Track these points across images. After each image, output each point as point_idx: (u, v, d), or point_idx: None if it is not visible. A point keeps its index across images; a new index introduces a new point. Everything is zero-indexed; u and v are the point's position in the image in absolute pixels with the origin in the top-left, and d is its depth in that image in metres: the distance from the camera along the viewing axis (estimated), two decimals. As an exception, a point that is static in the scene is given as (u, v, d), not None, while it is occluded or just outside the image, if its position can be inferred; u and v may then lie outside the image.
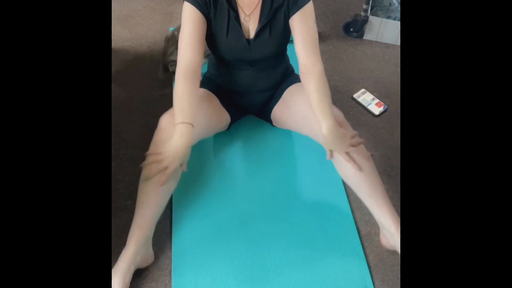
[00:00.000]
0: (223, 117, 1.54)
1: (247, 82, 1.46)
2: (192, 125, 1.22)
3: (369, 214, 1.51)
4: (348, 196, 1.55)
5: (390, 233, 1.29)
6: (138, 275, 1.34)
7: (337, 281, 1.33)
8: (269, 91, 1.55)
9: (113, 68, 1.99)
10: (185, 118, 1.21)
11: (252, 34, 1.33)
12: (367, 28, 2.16)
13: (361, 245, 1.42)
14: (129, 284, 1.23)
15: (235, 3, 1.29)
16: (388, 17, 2.14)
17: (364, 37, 2.21)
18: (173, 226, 1.45)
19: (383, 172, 1.64)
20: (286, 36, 1.37)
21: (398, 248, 1.28)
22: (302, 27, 1.30)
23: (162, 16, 2.30)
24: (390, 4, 2.15)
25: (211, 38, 1.34)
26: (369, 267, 1.38)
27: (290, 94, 1.48)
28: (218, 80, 1.52)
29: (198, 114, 1.27)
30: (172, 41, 1.85)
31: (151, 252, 1.34)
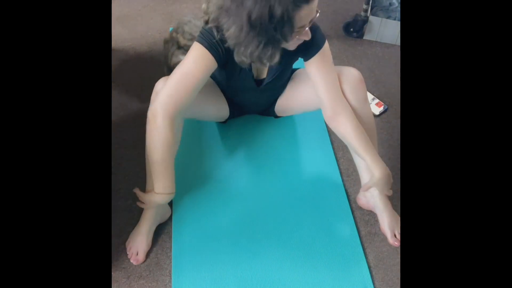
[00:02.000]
0: (222, 107, 1.53)
1: (251, 101, 1.48)
2: (173, 193, 1.25)
3: (369, 214, 1.51)
4: (348, 196, 1.55)
5: (376, 196, 1.32)
6: (138, 275, 1.34)
7: (337, 281, 1.33)
8: (273, 103, 1.55)
9: (113, 68, 1.99)
10: (165, 189, 1.23)
11: (261, 75, 1.33)
12: (367, 28, 2.16)
13: (361, 245, 1.42)
14: (151, 243, 1.36)
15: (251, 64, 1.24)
16: (388, 17, 2.14)
17: (364, 37, 2.21)
18: (173, 226, 1.45)
19: (383, 172, 1.63)
20: (292, 68, 1.36)
21: (377, 208, 1.30)
22: (321, 71, 1.24)
23: (162, 16, 2.29)
24: (390, 4, 2.15)
25: (221, 76, 1.33)
26: (369, 267, 1.38)
27: (292, 81, 1.46)
28: (221, 87, 1.49)
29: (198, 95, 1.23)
30: (172, 42, 1.85)
31: (167, 207, 1.39)
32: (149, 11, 2.33)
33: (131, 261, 1.34)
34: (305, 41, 1.14)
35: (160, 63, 2.02)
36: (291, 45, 1.12)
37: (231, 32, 1.06)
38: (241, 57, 1.11)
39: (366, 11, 2.11)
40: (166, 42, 1.87)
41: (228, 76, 1.29)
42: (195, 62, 1.14)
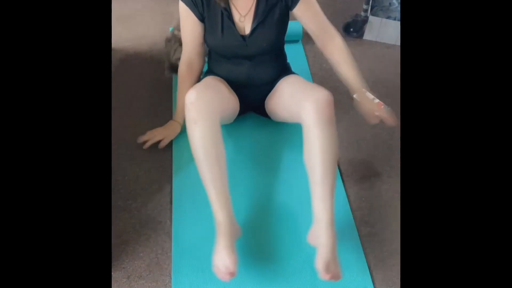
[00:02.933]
0: (235, 100, 1.56)
1: (245, 75, 1.50)
2: (180, 123, 1.58)
3: (369, 214, 1.51)
4: (348, 196, 1.55)
5: (322, 230, 1.22)
6: (138, 275, 1.34)
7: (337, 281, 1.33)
8: (267, 86, 1.57)
9: (113, 68, 1.99)
10: (177, 118, 1.59)
11: (247, 31, 1.37)
12: (367, 28, 2.16)
13: (361, 245, 1.42)
14: (237, 258, 1.22)
15: (228, 4, 1.33)
16: (388, 17, 2.14)
17: (364, 37, 2.21)
18: (173, 226, 1.45)
19: (383, 172, 1.64)
20: (282, 30, 1.42)
21: (321, 247, 1.21)
22: (309, 14, 1.38)
23: (162, 16, 2.29)
24: (390, 4, 2.15)
25: (207, 37, 1.42)
26: (369, 267, 1.38)
27: (282, 83, 1.52)
28: (219, 74, 1.55)
29: (216, 95, 1.37)
30: (174, 40, 1.85)
31: (237, 225, 1.33)
32: (149, 11, 2.33)
33: (223, 279, 1.19)
34: None
35: (160, 63, 2.02)
36: None
37: None
38: None
39: (366, 11, 2.11)
40: (168, 40, 1.87)
41: (213, 36, 1.39)
42: (185, 25, 1.40)
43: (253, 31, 1.36)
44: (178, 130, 1.59)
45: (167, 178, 1.59)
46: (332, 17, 2.33)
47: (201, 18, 1.36)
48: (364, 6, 2.10)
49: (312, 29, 1.43)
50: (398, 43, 2.17)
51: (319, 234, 1.23)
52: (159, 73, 1.99)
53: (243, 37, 1.37)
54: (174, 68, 1.88)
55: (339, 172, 1.62)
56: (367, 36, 2.20)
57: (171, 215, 1.48)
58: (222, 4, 1.31)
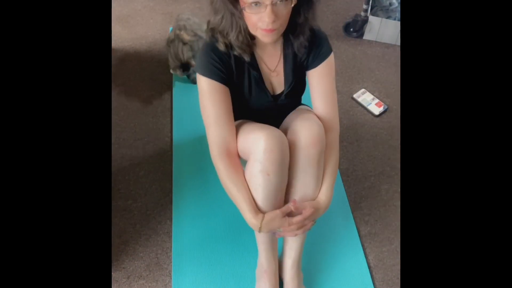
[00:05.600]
0: None
1: (269, 117, 1.24)
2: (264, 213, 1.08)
3: (369, 214, 1.51)
4: (348, 196, 1.55)
5: (287, 269, 1.26)
6: (138, 275, 1.34)
7: (337, 281, 1.33)
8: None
9: (113, 68, 1.99)
10: (259, 216, 1.06)
11: (277, 89, 1.19)
12: (367, 28, 2.17)
13: (361, 245, 1.42)
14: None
15: (256, 59, 1.13)
16: (388, 17, 2.14)
17: (364, 37, 2.21)
18: (173, 226, 1.45)
19: (383, 172, 1.64)
20: (304, 85, 1.23)
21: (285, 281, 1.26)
22: (320, 83, 1.16)
23: (162, 16, 2.30)
24: (390, 4, 2.15)
25: (233, 97, 1.15)
26: (369, 267, 1.38)
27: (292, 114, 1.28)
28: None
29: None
30: (178, 40, 1.85)
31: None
32: (149, 11, 2.33)
33: None
34: (311, 51, 1.12)
35: (160, 62, 2.03)
36: (254, 24, 1.00)
37: (214, 21, 1.06)
38: (228, 42, 1.07)
39: (366, 11, 2.11)
40: (171, 41, 1.87)
41: (243, 95, 1.16)
42: (209, 99, 1.09)
43: (288, 93, 1.18)
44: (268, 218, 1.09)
45: (167, 178, 1.59)
46: (332, 17, 2.34)
47: (230, 82, 1.11)
48: (364, 6, 2.10)
49: (318, 103, 1.17)
50: (398, 43, 2.17)
51: (285, 270, 1.26)
52: (159, 73, 1.99)
53: (274, 96, 1.18)
54: (186, 66, 1.88)
55: (339, 172, 1.62)
56: (367, 36, 2.20)
57: (171, 215, 1.48)
58: (246, 57, 1.08)
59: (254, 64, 1.12)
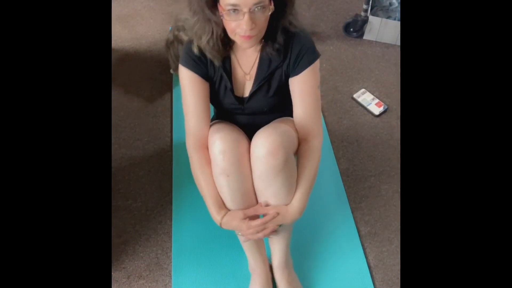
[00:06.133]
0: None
1: (244, 125, 1.23)
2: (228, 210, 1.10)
3: (369, 214, 1.51)
4: (348, 196, 1.55)
5: (278, 273, 1.28)
6: (138, 275, 1.34)
7: (337, 281, 1.33)
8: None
9: (113, 68, 2.00)
10: (221, 212, 1.08)
11: (246, 93, 1.16)
12: (367, 28, 2.17)
13: (361, 245, 1.42)
14: None
15: (231, 61, 1.13)
16: (388, 17, 2.14)
17: (364, 37, 2.21)
18: (173, 226, 1.45)
19: (383, 172, 1.64)
20: (281, 94, 1.17)
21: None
22: (302, 91, 1.12)
23: (162, 16, 2.30)
24: (390, 4, 2.15)
25: (210, 96, 1.18)
26: (369, 267, 1.38)
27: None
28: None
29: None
30: (177, 41, 1.86)
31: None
32: (149, 11, 2.33)
33: None
34: (291, 57, 1.09)
35: (160, 62, 2.03)
36: (233, 30, 0.99)
37: (189, 23, 1.06)
38: (199, 46, 1.07)
39: (366, 11, 2.11)
40: (170, 42, 1.88)
41: (216, 97, 1.17)
42: (190, 91, 1.12)
43: (251, 96, 1.15)
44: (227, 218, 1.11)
45: (167, 178, 1.59)
46: (332, 17, 2.34)
47: (207, 76, 1.13)
48: (364, 6, 2.10)
49: (298, 112, 1.14)
50: (398, 43, 2.17)
51: (274, 271, 1.28)
52: (159, 73, 1.99)
53: (240, 100, 1.16)
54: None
55: (339, 172, 1.62)
56: (367, 36, 2.20)
57: (171, 215, 1.48)
58: (216, 62, 1.09)
59: (226, 67, 1.12)
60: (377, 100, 1.88)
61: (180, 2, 2.39)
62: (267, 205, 1.10)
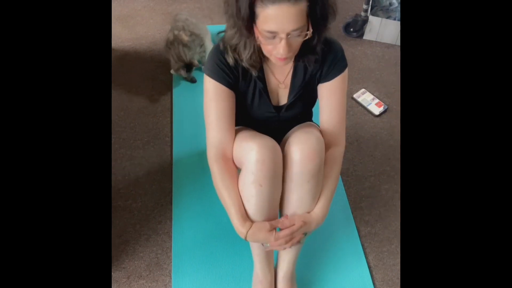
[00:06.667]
0: None
1: (273, 131, 1.20)
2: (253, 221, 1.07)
3: (369, 214, 1.51)
4: (348, 196, 1.55)
5: (280, 284, 1.27)
6: (138, 275, 1.34)
7: (337, 281, 1.33)
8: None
9: (113, 68, 2.00)
10: (246, 224, 1.05)
11: (281, 101, 1.16)
12: (367, 28, 2.17)
13: (361, 245, 1.42)
14: None
15: (264, 71, 1.11)
16: (388, 17, 2.14)
17: (364, 37, 2.21)
18: (173, 226, 1.45)
19: (383, 172, 1.64)
20: (315, 99, 1.20)
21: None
22: (330, 99, 1.13)
23: (162, 16, 2.30)
24: (390, 4, 2.15)
25: (237, 104, 1.14)
26: (369, 267, 1.38)
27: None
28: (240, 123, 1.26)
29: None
30: (177, 42, 1.86)
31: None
32: (149, 11, 2.33)
33: None
34: (324, 64, 1.08)
35: (160, 62, 2.03)
36: (269, 51, 0.98)
37: (227, 35, 1.02)
38: (239, 57, 1.05)
39: (366, 11, 2.11)
40: (171, 43, 1.87)
41: (246, 103, 1.15)
42: (213, 101, 1.09)
43: (289, 105, 1.15)
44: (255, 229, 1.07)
45: (167, 178, 1.59)
46: (332, 17, 2.34)
47: (236, 88, 1.10)
48: (364, 6, 2.10)
49: (325, 118, 1.14)
50: (398, 43, 2.17)
51: (277, 281, 1.27)
52: (159, 73, 1.99)
53: (277, 108, 1.16)
54: (189, 66, 1.88)
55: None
56: (367, 36, 2.20)
57: (171, 215, 1.48)
58: (255, 73, 1.07)
59: (261, 76, 1.10)
60: (377, 100, 1.88)
61: (180, 2, 2.39)
62: (292, 215, 1.08)
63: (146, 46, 2.13)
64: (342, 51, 1.11)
